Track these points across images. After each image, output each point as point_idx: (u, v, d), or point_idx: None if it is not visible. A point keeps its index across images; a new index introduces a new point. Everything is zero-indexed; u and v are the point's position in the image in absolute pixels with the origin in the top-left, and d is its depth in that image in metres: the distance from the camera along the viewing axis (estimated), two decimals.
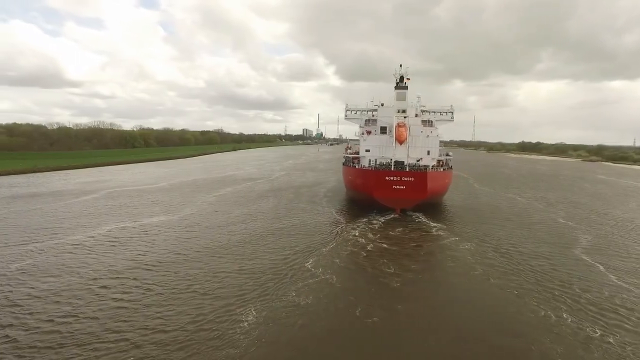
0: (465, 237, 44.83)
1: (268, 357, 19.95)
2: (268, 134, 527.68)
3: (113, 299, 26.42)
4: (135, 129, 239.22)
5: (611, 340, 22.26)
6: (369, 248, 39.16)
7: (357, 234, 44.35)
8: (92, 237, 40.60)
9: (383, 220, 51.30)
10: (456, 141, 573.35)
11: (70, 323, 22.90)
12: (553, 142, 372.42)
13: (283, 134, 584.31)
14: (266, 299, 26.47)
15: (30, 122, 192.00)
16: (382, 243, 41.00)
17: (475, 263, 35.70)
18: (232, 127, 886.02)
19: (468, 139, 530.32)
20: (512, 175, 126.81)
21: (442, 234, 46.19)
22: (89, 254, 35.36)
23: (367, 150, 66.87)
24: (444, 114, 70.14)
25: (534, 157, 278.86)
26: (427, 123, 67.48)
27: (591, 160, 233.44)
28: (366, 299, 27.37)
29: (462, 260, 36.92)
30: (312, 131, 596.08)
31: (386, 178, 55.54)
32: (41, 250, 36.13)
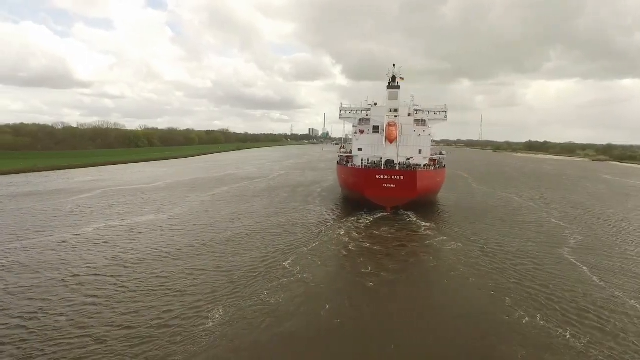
0: (453, 236, 44.50)
1: (223, 357, 19.92)
2: (274, 133, 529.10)
3: (86, 295, 26.77)
4: (139, 129, 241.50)
5: (578, 343, 21.91)
6: (350, 247, 39.06)
7: (342, 233, 44.29)
8: (78, 235, 41.08)
9: (371, 220, 51.15)
10: (463, 140, 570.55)
11: (39, 319, 23.22)
12: (562, 142, 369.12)
13: (289, 133, 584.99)
14: (236, 297, 26.53)
15: (39, 123, 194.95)
16: (365, 242, 40.85)
17: (457, 263, 35.42)
18: (240, 127, 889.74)
19: (475, 138, 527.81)
20: (514, 175, 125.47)
21: (430, 233, 45.89)
22: (71, 251, 35.79)
23: (360, 150, 67.03)
24: (438, 113, 69.79)
25: (540, 156, 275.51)
26: (420, 122, 67.33)
27: (599, 160, 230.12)
28: (338, 299, 27.31)
29: (445, 259, 36.69)
30: (318, 131, 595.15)
31: (376, 177, 55.57)
32: (25, 247, 36.65)
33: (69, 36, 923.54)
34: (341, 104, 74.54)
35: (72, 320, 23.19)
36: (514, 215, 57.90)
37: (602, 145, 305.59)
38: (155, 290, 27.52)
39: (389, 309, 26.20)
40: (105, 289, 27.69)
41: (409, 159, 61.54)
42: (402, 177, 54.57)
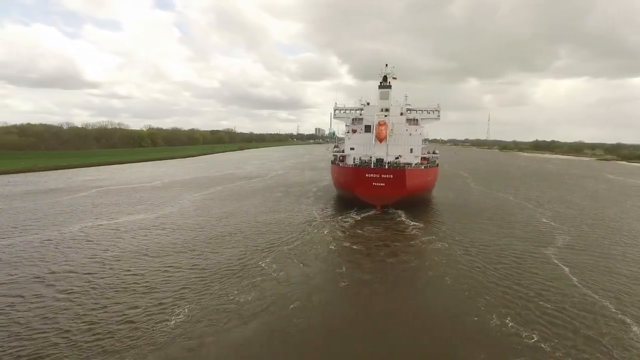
0: (440, 236, 44.13)
1: (176, 356, 19.91)
2: (280, 133, 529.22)
3: (59, 291, 27.16)
4: (144, 129, 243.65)
5: (543, 346, 21.50)
6: (331, 247, 38.90)
7: (325, 232, 44.18)
8: (62, 233, 41.52)
9: (359, 218, 50.99)
10: (470, 140, 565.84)
11: (7, 314, 23.61)
12: (570, 141, 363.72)
13: (295, 133, 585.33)
14: (205, 296, 26.54)
15: (49, 123, 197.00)
16: (347, 242, 40.69)
17: (438, 263, 35.12)
18: (247, 126, 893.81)
19: (483, 137, 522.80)
20: (515, 175, 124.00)
21: (416, 232, 45.53)
22: (54, 249, 36.21)
23: (352, 149, 67.09)
24: (431, 112, 69.35)
25: (546, 156, 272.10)
26: (412, 121, 67.12)
27: (605, 159, 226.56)
28: (309, 298, 27.09)
29: (427, 259, 36.38)
30: (324, 130, 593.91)
31: (366, 175, 55.57)
32: (9, 245, 37.19)
33: (78, 37, 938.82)
34: (335, 103, 74.42)
35: (40, 315, 23.54)
36: (506, 215, 57.07)
37: (612, 144, 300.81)
38: (126, 287, 27.73)
39: (357, 308, 26.04)
40: (80, 286, 28.02)
41: (397, 158, 61.37)
42: (392, 176, 54.46)
